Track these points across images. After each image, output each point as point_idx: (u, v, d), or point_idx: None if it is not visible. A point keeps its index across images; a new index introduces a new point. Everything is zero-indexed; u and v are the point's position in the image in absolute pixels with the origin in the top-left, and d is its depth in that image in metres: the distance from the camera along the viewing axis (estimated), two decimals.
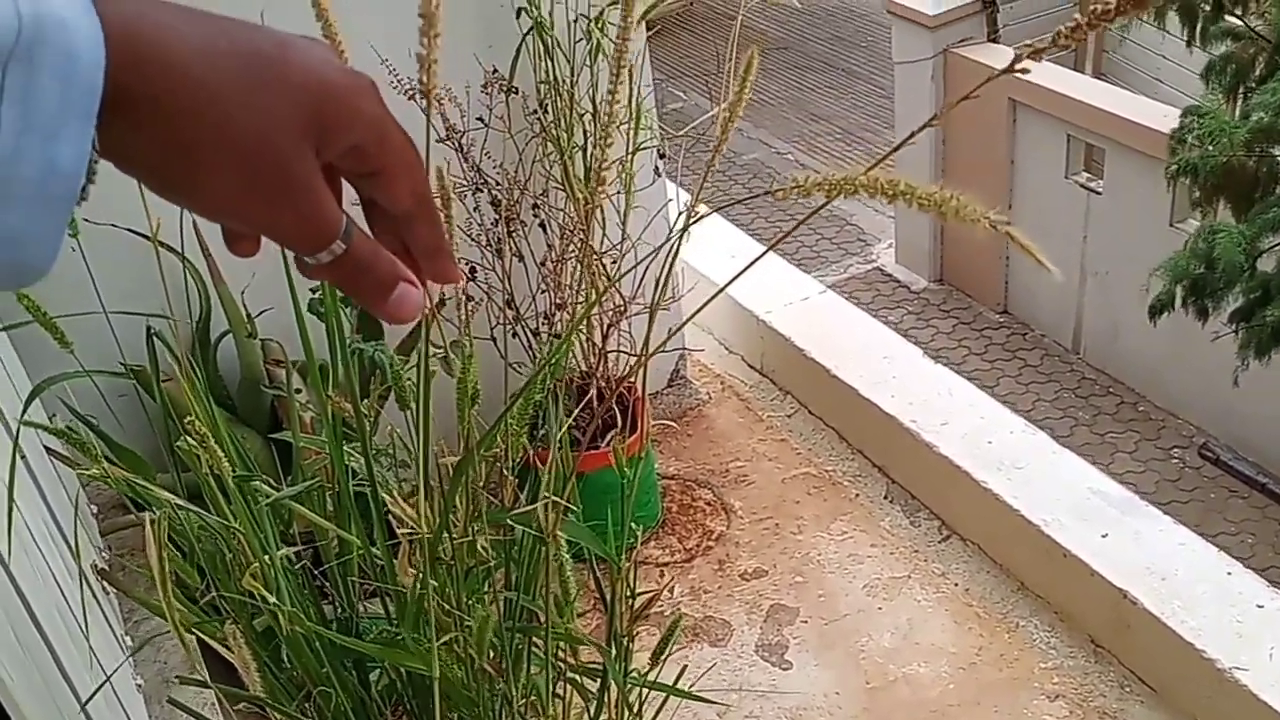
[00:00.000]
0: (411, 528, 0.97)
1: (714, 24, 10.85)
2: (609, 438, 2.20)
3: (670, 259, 1.01)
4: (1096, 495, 2.12)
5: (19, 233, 0.40)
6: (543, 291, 2.19)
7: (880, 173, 0.65)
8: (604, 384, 2.24)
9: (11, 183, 0.39)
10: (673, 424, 2.54)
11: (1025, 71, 0.63)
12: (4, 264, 0.40)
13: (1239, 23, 4.66)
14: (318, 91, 0.45)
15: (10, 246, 0.40)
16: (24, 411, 1.12)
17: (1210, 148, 4.54)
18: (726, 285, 0.86)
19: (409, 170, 0.49)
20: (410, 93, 1.94)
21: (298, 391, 2.00)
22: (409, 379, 1.23)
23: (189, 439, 1.05)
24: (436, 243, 0.53)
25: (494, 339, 2.10)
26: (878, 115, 9.45)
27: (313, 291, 1.65)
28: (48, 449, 1.63)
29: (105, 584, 1.63)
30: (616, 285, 2.07)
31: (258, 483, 1.05)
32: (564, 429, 1.06)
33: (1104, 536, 2.03)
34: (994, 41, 6.82)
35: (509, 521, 1.02)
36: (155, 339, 1.16)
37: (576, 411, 2.01)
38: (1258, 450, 5.88)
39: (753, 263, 0.86)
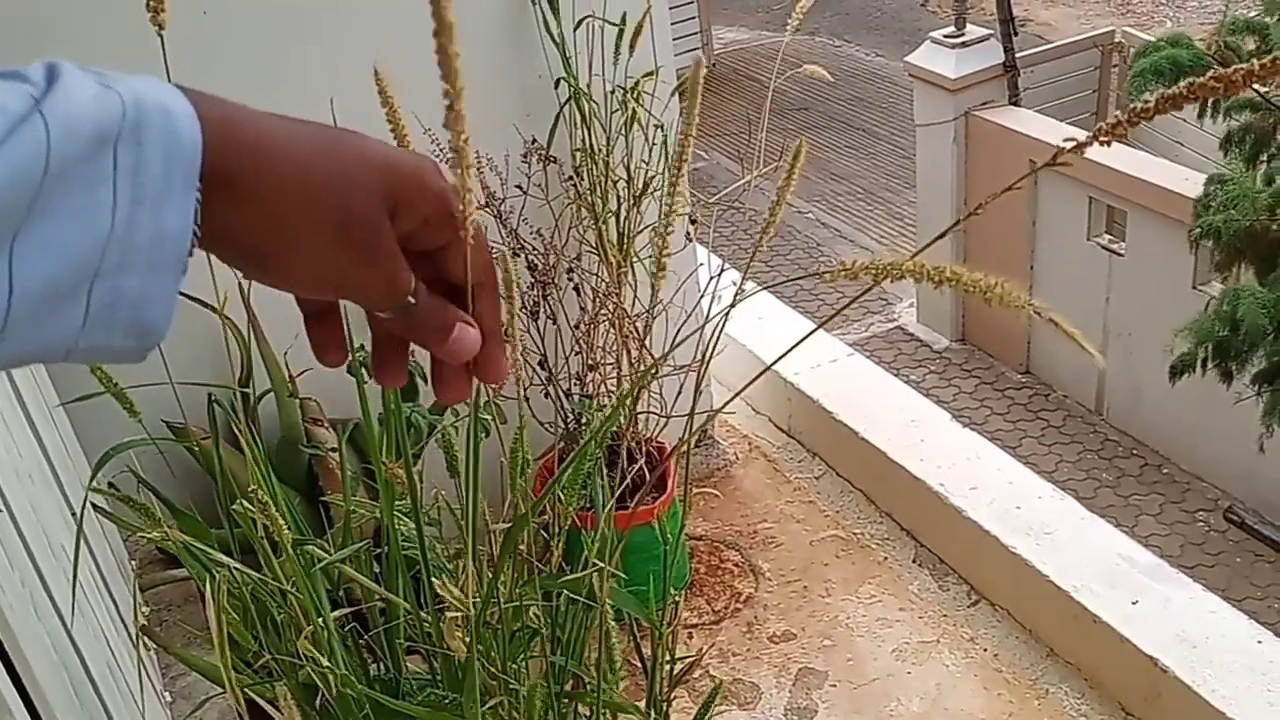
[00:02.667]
0: (462, 604, 0.99)
1: (735, 84, 11.00)
2: (637, 497, 2.22)
3: (716, 336, 1.04)
4: (1125, 561, 2.13)
5: (137, 295, 0.44)
6: (575, 353, 2.23)
7: (924, 258, 0.68)
8: (634, 445, 2.27)
9: (128, 250, 0.43)
10: (708, 490, 2.56)
11: (1067, 165, 0.65)
12: (128, 323, 0.45)
13: (1256, 95, 4.71)
14: (389, 170, 0.50)
15: (132, 307, 0.44)
16: (93, 479, 1.15)
17: (1234, 212, 4.57)
18: (775, 362, 0.89)
19: (476, 243, 0.53)
20: (445, 179, 1.99)
21: (333, 450, 2.04)
22: (452, 442, 1.26)
23: (245, 504, 1.08)
24: (493, 322, 0.56)
25: (527, 399, 2.13)
26: (898, 175, 9.52)
27: (354, 352, 1.70)
28: (95, 506, 1.66)
29: (146, 640, 1.66)
30: (650, 352, 2.10)
31: (312, 546, 1.07)
32: (613, 500, 1.08)
33: (1134, 603, 2.03)
34: (1015, 105, 6.88)
35: (559, 588, 1.05)
36: (216, 405, 1.20)
37: (627, 480, 2.03)
38: None
39: (799, 342, 0.88)
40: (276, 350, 1.97)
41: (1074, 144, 0.65)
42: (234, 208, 0.46)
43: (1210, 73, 0.57)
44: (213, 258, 0.52)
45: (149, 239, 0.43)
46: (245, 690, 1.14)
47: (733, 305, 0.93)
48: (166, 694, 1.80)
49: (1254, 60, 0.57)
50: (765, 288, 2.30)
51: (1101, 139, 0.64)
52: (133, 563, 2.03)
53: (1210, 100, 5.01)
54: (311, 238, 0.48)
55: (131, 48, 0.95)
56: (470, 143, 0.50)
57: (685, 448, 1.12)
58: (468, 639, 0.95)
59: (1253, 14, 5.20)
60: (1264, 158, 4.83)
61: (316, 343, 0.55)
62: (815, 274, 0.73)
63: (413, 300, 0.52)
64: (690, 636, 2.27)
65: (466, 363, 0.56)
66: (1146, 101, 0.62)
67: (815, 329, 0.85)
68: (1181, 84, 0.58)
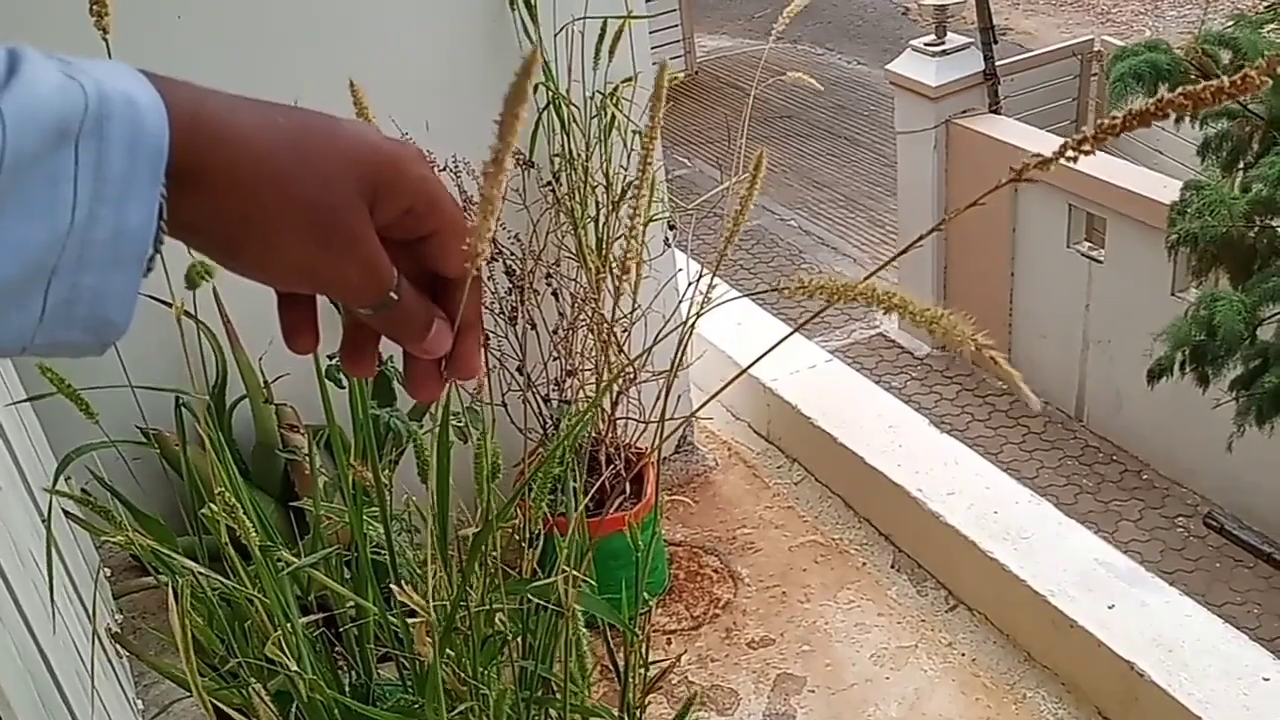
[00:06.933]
0: (423, 610, 0.98)
1: (718, 92, 11.02)
2: (617, 504, 2.22)
3: (686, 337, 1.04)
4: (1103, 566, 2.13)
5: (96, 292, 0.43)
6: (554, 359, 2.23)
7: (878, 283, 0.67)
8: (613, 450, 2.26)
9: (88, 247, 0.42)
10: (683, 498, 2.56)
11: (1032, 181, 0.65)
12: (87, 320, 0.43)
13: (1234, 103, 4.74)
14: (367, 157, 0.49)
15: (91, 303, 0.43)
16: (55, 481, 1.14)
17: (1210, 218, 4.60)
18: (750, 366, 0.88)
19: (462, 233, 0.51)
20: (429, 165, 1.99)
21: (309, 456, 2.03)
22: (427, 447, 1.25)
23: (213, 507, 1.07)
24: (474, 317, 0.55)
25: (504, 405, 2.13)
26: (879, 183, 9.56)
27: (330, 358, 1.69)
28: (65, 512, 1.65)
29: (118, 647, 1.64)
30: (627, 354, 2.10)
31: (280, 553, 1.07)
32: (583, 504, 1.08)
33: (1110, 608, 2.03)
34: (995, 113, 6.92)
35: (528, 594, 1.04)
36: (183, 408, 1.19)
37: (596, 485, 2.03)
38: (1263, 520, 5.87)
39: (774, 346, 0.88)
40: (251, 356, 1.96)
41: (1038, 160, 0.64)
42: (202, 200, 0.45)
43: (1180, 89, 0.56)
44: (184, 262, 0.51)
45: (110, 235, 0.42)
46: (215, 697, 1.13)
47: (701, 309, 0.93)
48: (139, 702, 1.78)
49: (1225, 76, 0.57)
50: (747, 294, 2.29)
51: (1068, 155, 0.64)
52: (105, 570, 2.01)
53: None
54: (284, 231, 0.47)
55: (99, 51, 0.94)
56: (503, 187, 0.48)
57: (657, 452, 1.11)
58: (435, 643, 0.95)
59: (1228, 26, 5.24)
60: (1241, 165, 4.86)
61: (288, 327, 0.53)
62: (775, 289, 0.73)
63: (394, 296, 0.51)
64: (669, 642, 2.27)
65: (439, 359, 0.55)
66: (1115, 117, 0.61)
67: (791, 333, 0.84)
68: (1148, 101, 0.58)
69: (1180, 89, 0.56)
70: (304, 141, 0.48)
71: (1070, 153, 0.59)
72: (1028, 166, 0.60)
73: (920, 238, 0.66)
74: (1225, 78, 0.56)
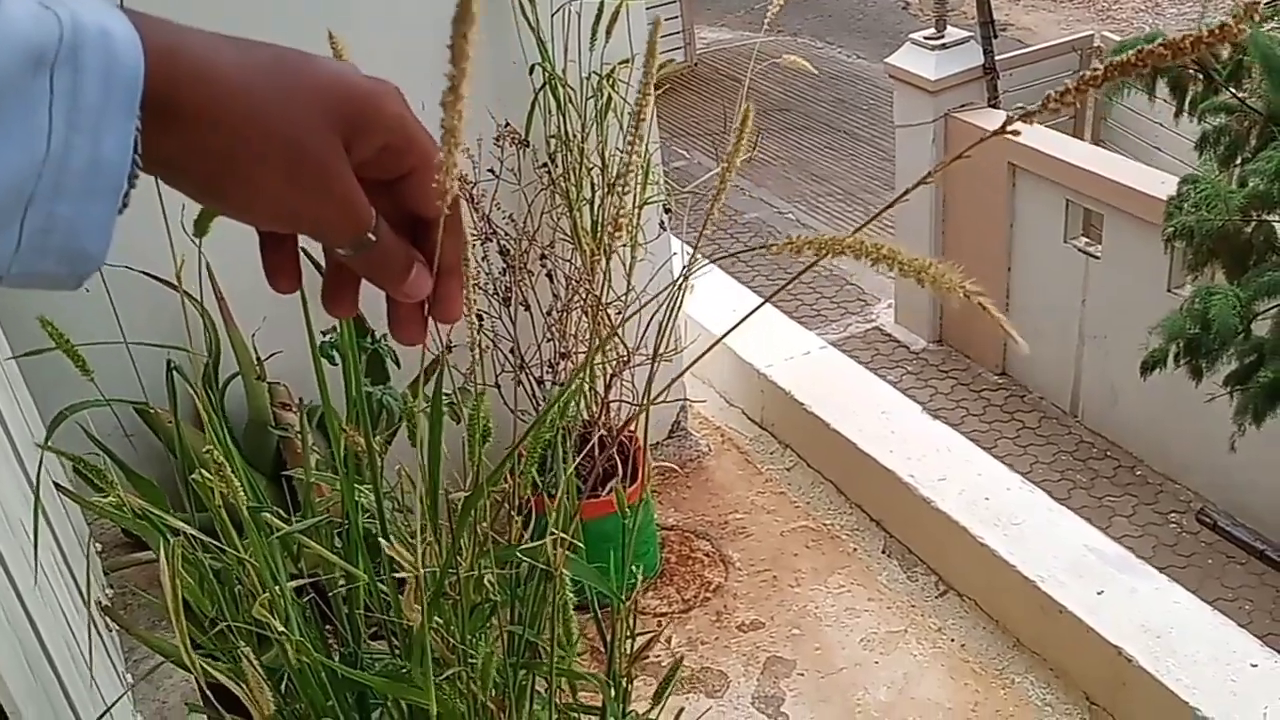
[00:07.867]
0: (412, 568, 0.98)
1: (717, 85, 11.02)
2: (609, 486, 2.22)
3: (674, 310, 1.04)
4: (1092, 553, 2.14)
5: (72, 222, 0.43)
6: (548, 340, 2.23)
7: (866, 236, 0.67)
8: (605, 433, 2.26)
9: (63, 176, 0.42)
10: (675, 468, 2.56)
11: (1016, 134, 0.65)
12: (63, 250, 0.43)
13: (1232, 98, 4.75)
14: (344, 94, 0.49)
15: (66, 234, 0.43)
16: (48, 439, 1.14)
17: (1206, 212, 4.60)
18: (726, 334, 0.88)
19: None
20: (406, 104, 1.98)
21: (300, 433, 2.03)
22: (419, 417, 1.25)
23: (204, 472, 1.07)
24: (455, 258, 0.55)
25: (498, 386, 2.13)
26: (878, 177, 9.56)
27: (324, 334, 1.69)
28: (56, 485, 1.65)
29: (108, 620, 1.65)
30: (620, 336, 2.10)
31: (268, 515, 1.07)
32: (570, 469, 1.08)
33: (1100, 593, 2.04)
34: (994, 107, 6.92)
35: (517, 556, 1.05)
36: (175, 373, 1.19)
37: (579, 459, 2.03)
38: (1255, 517, 5.88)
39: (751, 313, 0.88)
40: (245, 333, 1.96)
41: (1024, 113, 0.65)
42: (179, 137, 0.45)
43: (1159, 40, 0.57)
44: (178, 247, 0.51)
45: (86, 165, 0.42)
46: (205, 665, 1.13)
47: (685, 277, 0.93)
48: (128, 676, 1.79)
49: (1223, 70, 0.57)
50: (716, 260, 2.29)
51: (1051, 106, 0.64)
52: (96, 545, 2.01)
53: (1188, 100, 5.05)
54: (261, 168, 0.47)
55: None
56: (463, 121, 0.49)
57: (641, 420, 1.12)
58: (423, 605, 0.95)
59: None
60: (1238, 160, 4.86)
61: (269, 268, 0.53)
62: (764, 247, 0.73)
63: (373, 238, 0.51)
64: (659, 624, 2.27)
65: (422, 302, 0.56)
66: (1096, 68, 0.62)
67: (762, 303, 0.85)
68: (1129, 52, 0.58)
69: (1160, 39, 0.56)
70: (280, 79, 0.48)
71: (1053, 104, 0.60)
72: (1011, 119, 0.60)
73: (906, 192, 0.67)
74: (1222, 72, 0.57)
